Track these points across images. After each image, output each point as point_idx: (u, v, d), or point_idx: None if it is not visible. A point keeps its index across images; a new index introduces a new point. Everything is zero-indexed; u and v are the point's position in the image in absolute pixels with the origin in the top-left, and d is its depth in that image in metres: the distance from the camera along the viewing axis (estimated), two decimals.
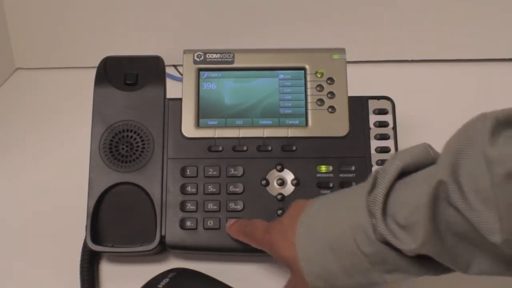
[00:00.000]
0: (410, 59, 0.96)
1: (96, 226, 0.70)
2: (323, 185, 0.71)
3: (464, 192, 0.45)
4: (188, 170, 0.72)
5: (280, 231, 0.59)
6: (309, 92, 0.74)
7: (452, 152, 0.46)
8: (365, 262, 0.52)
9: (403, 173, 0.51)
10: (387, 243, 0.50)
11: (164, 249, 0.71)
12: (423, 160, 0.51)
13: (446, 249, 0.48)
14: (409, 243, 0.49)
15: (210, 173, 0.71)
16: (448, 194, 0.46)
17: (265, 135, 0.73)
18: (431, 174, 0.48)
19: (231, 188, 0.71)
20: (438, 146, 0.51)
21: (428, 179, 0.48)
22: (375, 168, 0.71)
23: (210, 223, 0.70)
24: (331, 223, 0.54)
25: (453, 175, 0.46)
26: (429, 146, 0.53)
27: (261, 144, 0.72)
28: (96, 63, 0.75)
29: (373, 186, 0.52)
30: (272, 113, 0.74)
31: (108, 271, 0.73)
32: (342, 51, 0.75)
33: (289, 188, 0.71)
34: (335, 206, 0.56)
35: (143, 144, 0.72)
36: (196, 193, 0.71)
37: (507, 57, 0.96)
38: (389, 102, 0.74)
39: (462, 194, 0.45)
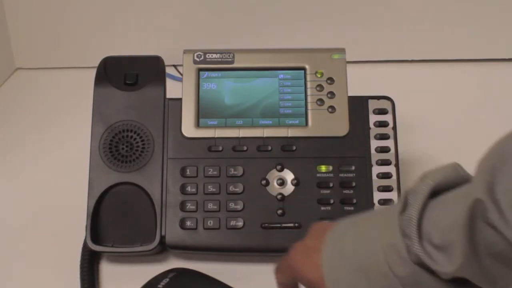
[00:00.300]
0: (410, 59, 0.96)
1: (96, 226, 0.70)
2: (323, 185, 0.71)
3: (502, 209, 0.43)
4: (188, 170, 0.72)
5: (303, 252, 0.56)
6: (309, 92, 0.74)
7: (487, 170, 0.45)
8: (397, 285, 0.50)
9: (433, 193, 0.50)
10: (421, 265, 0.49)
11: (164, 249, 0.71)
12: (454, 179, 0.50)
13: (483, 271, 0.46)
14: (446, 265, 0.47)
15: (210, 173, 0.71)
16: (486, 212, 0.44)
17: (265, 135, 0.73)
18: (466, 192, 0.47)
19: (231, 188, 0.71)
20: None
21: (464, 198, 0.46)
22: (375, 168, 0.71)
23: (210, 223, 0.70)
24: (361, 243, 0.52)
25: (489, 193, 0.44)
26: (459, 165, 0.51)
27: (261, 144, 0.72)
28: (96, 63, 0.75)
29: (405, 206, 0.50)
30: (272, 113, 0.74)
31: (108, 271, 0.73)
32: (342, 51, 0.75)
33: (289, 188, 0.71)
34: (364, 226, 0.53)
35: (143, 144, 0.72)
36: (196, 193, 0.71)
37: (507, 57, 0.96)
38: (389, 102, 0.74)
39: (500, 212, 0.43)
